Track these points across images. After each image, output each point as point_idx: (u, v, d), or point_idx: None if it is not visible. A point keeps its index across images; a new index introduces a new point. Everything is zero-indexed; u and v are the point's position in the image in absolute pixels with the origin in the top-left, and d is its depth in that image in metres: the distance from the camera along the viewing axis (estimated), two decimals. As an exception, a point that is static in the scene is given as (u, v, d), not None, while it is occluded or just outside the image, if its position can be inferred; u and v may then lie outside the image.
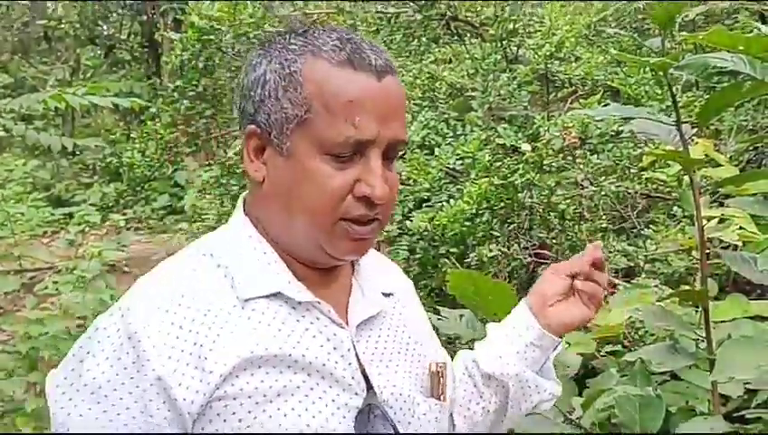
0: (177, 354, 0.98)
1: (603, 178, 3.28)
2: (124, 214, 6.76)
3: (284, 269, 1.07)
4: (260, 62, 1.07)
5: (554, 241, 3.33)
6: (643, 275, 2.89)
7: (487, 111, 3.54)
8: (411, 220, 3.27)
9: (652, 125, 1.74)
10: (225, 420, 0.98)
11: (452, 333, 2.02)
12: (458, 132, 3.55)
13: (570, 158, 3.34)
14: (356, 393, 1.05)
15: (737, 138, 3.13)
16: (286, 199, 1.05)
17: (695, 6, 3.43)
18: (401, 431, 1.07)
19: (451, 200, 3.26)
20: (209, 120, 5.25)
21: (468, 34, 4.33)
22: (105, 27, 10.44)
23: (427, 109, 3.69)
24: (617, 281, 2.88)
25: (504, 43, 3.89)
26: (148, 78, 9.43)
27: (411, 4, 4.20)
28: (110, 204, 7.59)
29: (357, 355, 1.07)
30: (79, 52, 10.43)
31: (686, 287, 2.46)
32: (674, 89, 1.80)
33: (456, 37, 4.41)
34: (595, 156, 3.31)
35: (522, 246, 3.29)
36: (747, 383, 1.90)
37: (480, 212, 3.23)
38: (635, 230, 3.33)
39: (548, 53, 3.66)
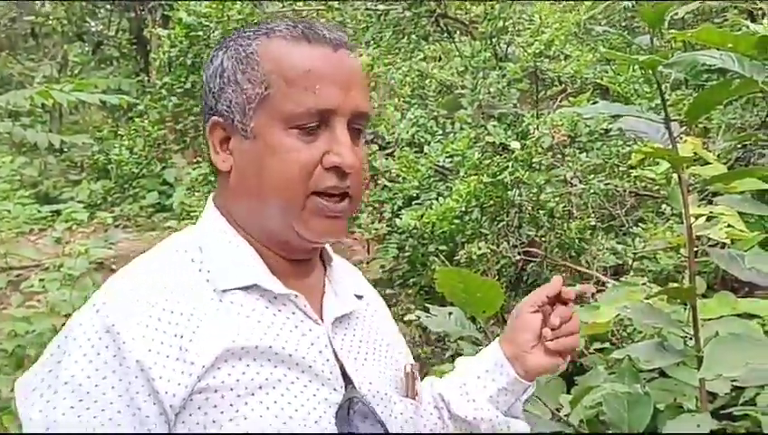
0: (157, 347, 0.96)
1: (592, 175, 3.29)
2: (112, 211, 6.72)
3: (260, 262, 1.06)
4: (216, 55, 1.08)
5: (543, 239, 3.33)
6: (631, 273, 2.90)
7: (477, 108, 3.54)
8: (400, 218, 3.27)
9: (641, 123, 1.74)
10: (205, 414, 0.97)
11: (441, 330, 2.01)
12: (448, 130, 3.56)
13: (559, 156, 3.35)
14: (335, 389, 1.04)
15: (726, 136, 3.14)
16: (256, 182, 1.04)
17: (684, 4, 3.44)
18: (381, 430, 1.07)
19: (440, 198, 3.27)
20: (198, 117, 5.22)
21: (458, 32, 4.33)
22: (93, 24, 10.36)
23: (416, 106, 3.69)
24: (605, 279, 2.89)
25: (493, 40, 3.90)
26: (137, 75, 9.37)
27: (401, 1, 4.19)
28: (98, 201, 7.52)
29: (334, 351, 1.07)
30: (66, 48, 10.34)
31: (675, 285, 2.46)
32: (663, 87, 1.80)
33: (445, 35, 4.41)
34: (584, 154, 3.32)
35: (511, 243, 3.29)
36: (735, 381, 1.90)
37: (469, 210, 3.24)
38: (624, 228, 3.34)
39: (537, 51, 3.66)
